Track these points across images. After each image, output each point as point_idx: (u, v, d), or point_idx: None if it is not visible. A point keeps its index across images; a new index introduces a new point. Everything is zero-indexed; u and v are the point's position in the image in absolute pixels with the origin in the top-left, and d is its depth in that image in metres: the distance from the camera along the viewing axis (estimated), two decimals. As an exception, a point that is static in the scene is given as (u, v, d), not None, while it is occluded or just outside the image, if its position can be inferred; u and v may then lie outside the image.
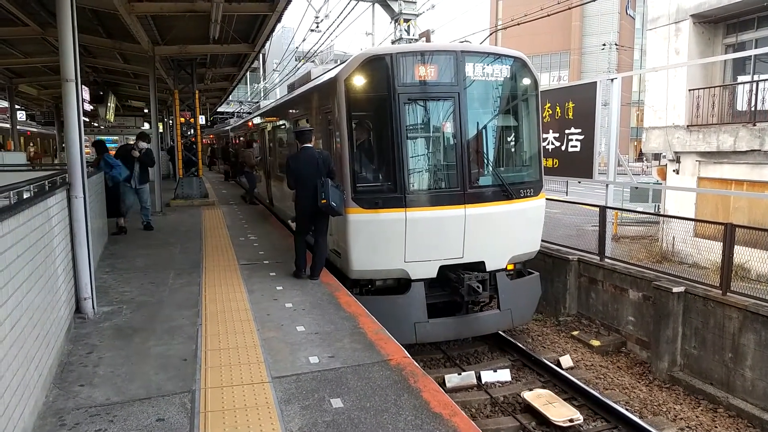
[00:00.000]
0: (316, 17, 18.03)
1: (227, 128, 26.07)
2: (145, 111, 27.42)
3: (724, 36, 12.73)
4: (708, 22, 12.56)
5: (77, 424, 3.23)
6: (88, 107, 18.87)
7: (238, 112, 35.73)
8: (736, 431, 6.00)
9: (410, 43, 11.56)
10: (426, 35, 12.32)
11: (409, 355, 4.27)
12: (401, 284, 6.91)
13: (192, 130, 15.67)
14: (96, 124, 29.59)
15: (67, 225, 4.98)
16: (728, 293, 6.74)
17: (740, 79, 12.53)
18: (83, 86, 13.62)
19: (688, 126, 12.19)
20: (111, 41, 12.36)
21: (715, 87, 12.20)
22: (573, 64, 52.54)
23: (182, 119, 15.31)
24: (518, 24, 14.47)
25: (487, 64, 7.01)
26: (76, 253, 5.06)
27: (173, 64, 14.83)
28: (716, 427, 6.08)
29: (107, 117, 22.56)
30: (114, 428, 3.18)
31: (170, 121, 22.95)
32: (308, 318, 5.15)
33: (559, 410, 5.86)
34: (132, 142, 11.09)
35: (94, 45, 12.75)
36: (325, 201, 6.12)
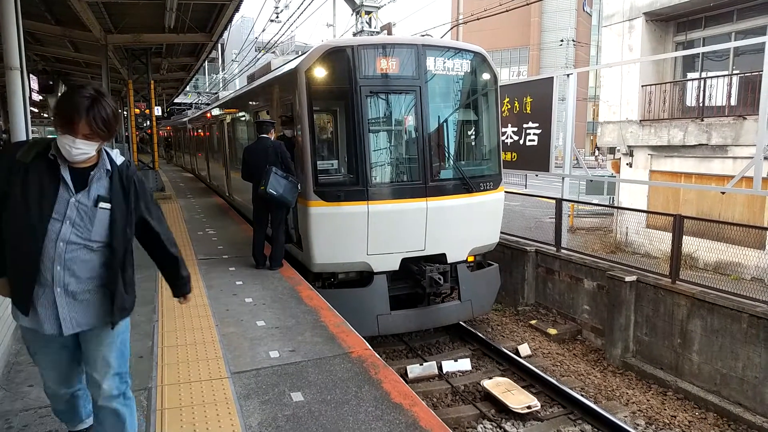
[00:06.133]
0: (276, 7, 17.74)
1: (185, 120, 25.46)
2: (98, 101, 26.44)
3: (674, 34, 13.19)
4: (660, 20, 12.98)
5: (26, 426, 3.11)
6: (37, 97, 18.07)
7: (196, 103, 34.90)
8: (684, 412, 6.28)
9: (372, 35, 11.52)
10: (388, 28, 12.28)
11: (370, 347, 4.28)
12: (364, 277, 6.92)
13: (147, 122, 15.22)
14: (46, 115, 28.40)
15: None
16: (677, 282, 7.02)
17: (689, 76, 13.03)
18: (31, 75, 13.02)
19: (640, 121, 12.60)
20: (60, 28, 11.85)
21: (666, 83, 12.64)
22: (532, 59, 53.47)
23: (137, 110, 14.86)
24: (478, 19, 14.62)
25: (448, 59, 7.07)
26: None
27: (127, 53, 14.38)
28: (665, 409, 6.34)
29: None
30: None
31: (125, 113, 22.26)
32: (269, 312, 5.10)
33: (517, 397, 6.01)
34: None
35: (42, 32, 12.21)
36: (263, 188, 6.13)
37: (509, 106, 11.00)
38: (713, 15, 12.22)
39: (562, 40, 45.71)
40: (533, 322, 8.86)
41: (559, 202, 9.38)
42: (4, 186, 2.26)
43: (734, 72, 11.63)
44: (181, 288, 2.90)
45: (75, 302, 2.33)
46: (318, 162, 6.72)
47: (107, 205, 2.33)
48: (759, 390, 6.01)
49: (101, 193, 2.33)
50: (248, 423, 3.16)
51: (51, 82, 19.05)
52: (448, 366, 6.95)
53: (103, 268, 2.37)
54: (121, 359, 2.58)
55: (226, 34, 13.57)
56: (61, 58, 16.44)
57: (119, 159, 2.44)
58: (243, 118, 10.90)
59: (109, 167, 2.37)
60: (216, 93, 31.93)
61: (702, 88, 11.66)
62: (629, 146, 12.92)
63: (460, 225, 7.12)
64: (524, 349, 7.64)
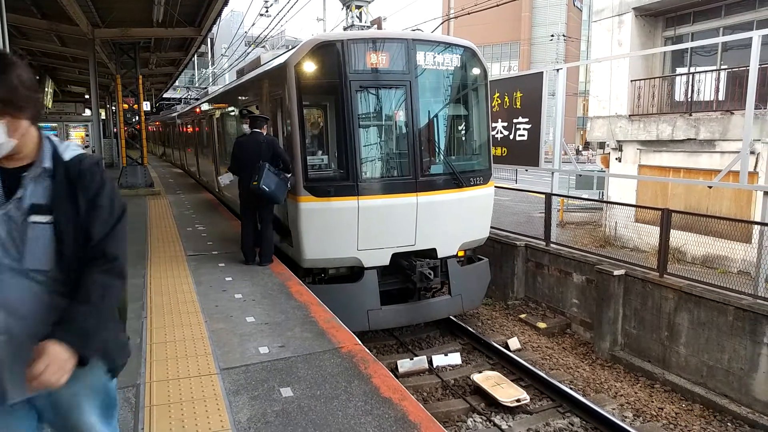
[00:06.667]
0: (266, 1, 17.62)
1: (174, 115, 25.27)
2: (86, 97, 26.23)
3: (663, 29, 13.27)
4: (649, 16, 13.05)
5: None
6: (23, 92, 17.85)
7: (185, 98, 34.63)
8: (671, 404, 6.35)
9: (362, 29, 11.47)
10: (378, 22, 12.24)
11: (360, 342, 4.29)
12: (354, 272, 6.92)
13: (136, 117, 15.09)
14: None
15: None
16: (665, 275, 7.09)
17: (678, 70, 13.11)
18: (16, 69, 12.81)
19: (629, 116, 12.68)
20: (47, 22, 11.73)
21: (655, 78, 12.72)
22: (523, 54, 53.54)
23: (125, 105, 14.72)
24: (469, 14, 14.61)
25: (438, 53, 7.06)
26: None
27: (115, 47, 14.23)
28: (653, 401, 6.41)
29: (45, 103, 21.49)
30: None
31: (113, 108, 22.05)
32: (258, 308, 5.09)
33: (506, 391, 6.04)
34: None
35: (28, 26, 12.07)
36: (256, 183, 6.09)
37: (499, 101, 11.01)
38: (702, 10, 12.31)
39: (552, 35, 45.83)
40: (523, 316, 8.91)
41: (548, 196, 9.43)
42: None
43: (722, 67, 11.72)
44: (66, 328, 1.57)
45: (24, 354, 1.55)
46: (308, 157, 6.70)
47: (44, 219, 1.62)
48: (744, 381, 6.09)
49: (37, 201, 1.62)
50: (237, 419, 3.15)
51: (38, 77, 18.85)
52: (439, 360, 6.98)
53: (62, 303, 1.63)
54: (112, 404, 1.92)
55: (215, 28, 13.49)
56: (47, 52, 16.25)
57: (70, 152, 1.71)
58: (232, 113, 10.83)
59: (48, 164, 1.66)
60: (205, 88, 31.73)
61: (690, 83, 11.75)
62: (618, 141, 12.99)
63: (451, 220, 7.14)
64: (514, 343, 7.69)
